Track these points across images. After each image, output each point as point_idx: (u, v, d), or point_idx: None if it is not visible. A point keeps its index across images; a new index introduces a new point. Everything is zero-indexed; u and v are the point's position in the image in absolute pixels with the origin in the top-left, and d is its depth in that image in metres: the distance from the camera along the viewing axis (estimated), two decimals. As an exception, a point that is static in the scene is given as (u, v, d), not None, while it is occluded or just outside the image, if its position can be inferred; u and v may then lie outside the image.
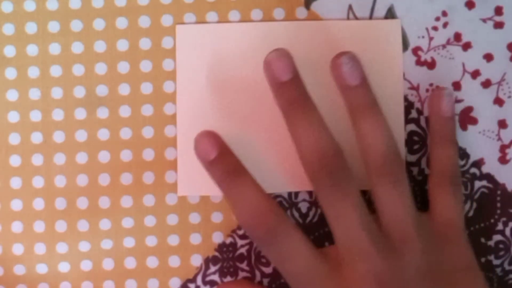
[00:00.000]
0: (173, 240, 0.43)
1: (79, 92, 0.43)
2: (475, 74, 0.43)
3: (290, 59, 0.40)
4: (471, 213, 0.43)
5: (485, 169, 0.43)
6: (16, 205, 0.43)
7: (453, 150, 0.42)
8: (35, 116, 0.43)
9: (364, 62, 0.42)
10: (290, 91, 0.40)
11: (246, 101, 0.43)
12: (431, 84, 0.43)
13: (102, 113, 0.43)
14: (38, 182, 0.43)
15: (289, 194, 0.43)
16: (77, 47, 0.43)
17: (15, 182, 0.43)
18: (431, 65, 0.43)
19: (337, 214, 0.38)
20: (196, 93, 0.43)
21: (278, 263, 0.39)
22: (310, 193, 0.43)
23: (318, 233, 0.43)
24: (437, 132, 0.42)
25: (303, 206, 0.43)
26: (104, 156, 0.43)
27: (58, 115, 0.43)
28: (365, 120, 0.40)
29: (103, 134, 0.43)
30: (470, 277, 0.40)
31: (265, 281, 0.43)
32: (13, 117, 0.43)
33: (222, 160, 0.40)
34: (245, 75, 0.43)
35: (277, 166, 0.43)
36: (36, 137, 0.43)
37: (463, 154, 0.43)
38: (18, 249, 0.43)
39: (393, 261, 0.38)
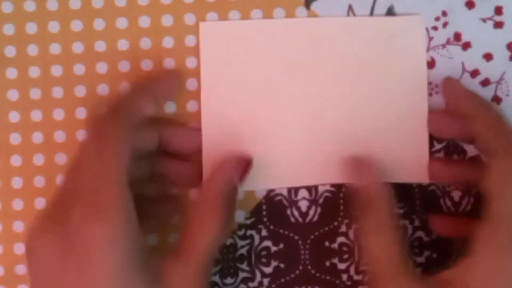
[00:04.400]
0: (174, 240, 0.43)
1: (80, 91, 0.43)
2: (475, 73, 0.43)
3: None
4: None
5: (485, 168, 0.43)
6: (17, 204, 0.43)
7: None
8: (36, 116, 0.43)
9: (386, 60, 0.42)
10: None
11: (269, 97, 0.43)
12: (430, 83, 0.43)
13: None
14: (39, 181, 0.43)
15: (289, 192, 0.43)
16: (77, 47, 0.43)
17: (16, 182, 0.43)
18: (431, 64, 0.43)
19: None
20: (220, 90, 0.43)
21: None
22: (309, 191, 0.43)
23: (318, 232, 0.43)
24: None
25: (303, 205, 0.43)
26: (104, 156, 0.43)
27: (59, 114, 0.43)
28: None
29: (104, 134, 0.43)
30: None
31: (265, 281, 0.43)
32: (14, 117, 0.43)
33: None
34: (267, 71, 0.43)
35: (299, 161, 0.43)
36: (37, 137, 0.43)
37: (462, 151, 0.43)
38: (19, 248, 0.43)
39: None
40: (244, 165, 0.41)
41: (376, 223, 0.39)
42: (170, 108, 0.43)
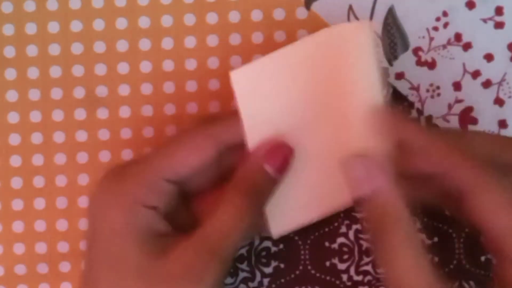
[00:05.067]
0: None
1: (79, 92, 0.43)
2: (476, 74, 0.43)
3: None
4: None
5: (486, 169, 0.43)
6: (17, 204, 0.44)
7: None
8: (35, 116, 0.43)
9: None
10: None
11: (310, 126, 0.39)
12: (431, 85, 0.43)
13: (102, 113, 0.43)
14: (38, 181, 0.43)
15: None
16: (76, 48, 0.43)
17: (16, 182, 0.44)
18: (431, 65, 0.43)
19: None
20: (264, 129, 0.38)
21: None
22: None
23: (318, 232, 0.43)
24: None
25: (304, 206, 0.44)
26: (104, 156, 0.43)
27: (58, 115, 0.43)
28: None
29: (103, 135, 0.43)
30: None
31: (265, 281, 0.43)
32: (13, 117, 0.43)
33: None
34: (308, 101, 0.39)
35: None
36: (36, 138, 0.43)
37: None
38: (19, 248, 0.43)
39: None
40: (280, 154, 0.37)
41: (405, 243, 0.33)
42: (147, 111, 0.43)
